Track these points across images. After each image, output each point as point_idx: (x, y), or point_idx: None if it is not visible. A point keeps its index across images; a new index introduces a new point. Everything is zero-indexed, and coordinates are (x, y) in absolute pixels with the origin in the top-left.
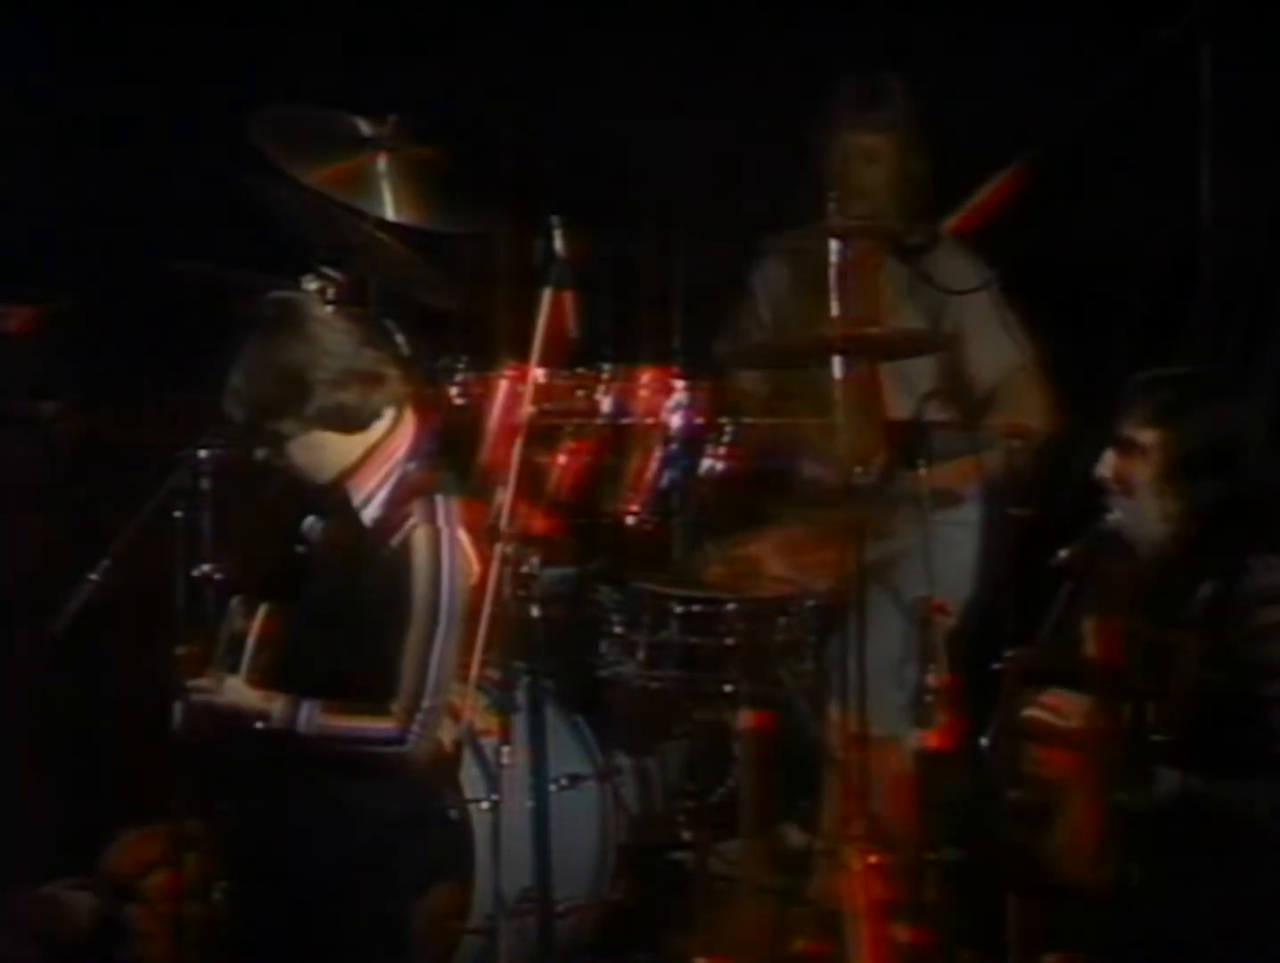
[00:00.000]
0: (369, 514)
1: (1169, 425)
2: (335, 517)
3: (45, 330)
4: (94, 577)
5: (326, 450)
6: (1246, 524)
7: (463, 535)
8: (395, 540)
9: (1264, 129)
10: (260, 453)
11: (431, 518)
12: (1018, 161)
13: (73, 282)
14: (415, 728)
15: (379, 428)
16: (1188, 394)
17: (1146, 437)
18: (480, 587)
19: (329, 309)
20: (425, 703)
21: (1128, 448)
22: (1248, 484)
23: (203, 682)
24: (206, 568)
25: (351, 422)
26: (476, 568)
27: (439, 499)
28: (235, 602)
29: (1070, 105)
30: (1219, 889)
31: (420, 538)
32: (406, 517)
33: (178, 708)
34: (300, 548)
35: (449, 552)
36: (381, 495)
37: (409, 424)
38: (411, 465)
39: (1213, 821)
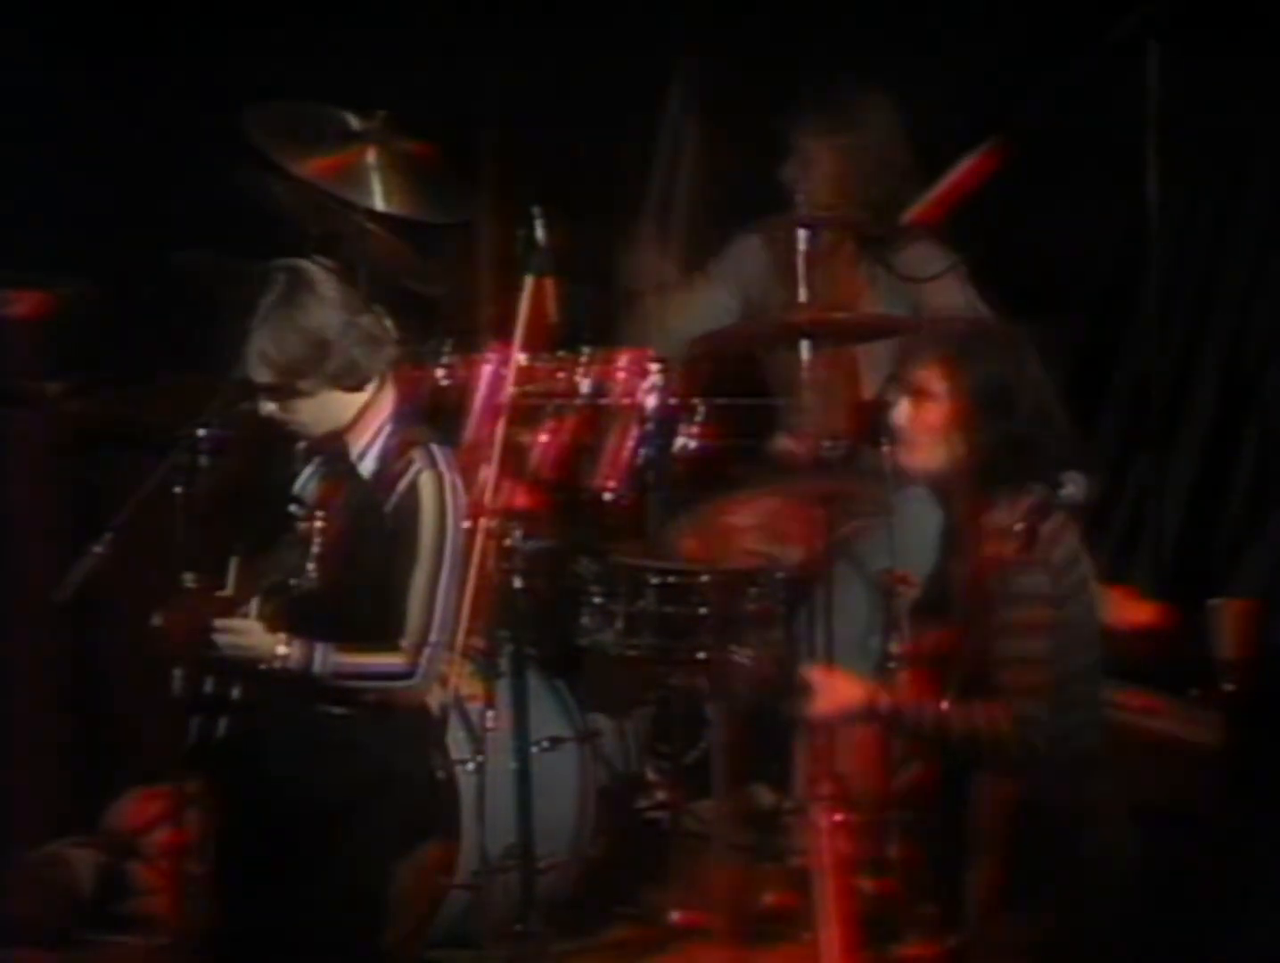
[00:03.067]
0: (366, 467)
1: (959, 371)
2: (332, 469)
3: (52, 315)
4: (98, 548)
5: (328, 408)
6: (1023, 459)
7: (459, 480)
8: (402, 485)
9: (1209, 129)
10: (268, 408)
11: (433, 463)
12: (978, 151)
13: (78, 268)
14: (423, 663)
15: (369, 389)
16: (973, 339)
17: (938, 385)
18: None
19: (330, 275)
20: (433, 637)
21: (920, 395)
22: (1025, 422)
23: (229, 622)
24: None
25: (360, 379)
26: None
27: (435, 447)
28: (235, 561)
29: (1024, 100)
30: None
31: (426, 481)
32: (409, 464)
33: (183, 660)
34: (293, 507)
35: (452, 494)
36: (375, 450)
37: (391, 389)
38: (394, 425)
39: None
